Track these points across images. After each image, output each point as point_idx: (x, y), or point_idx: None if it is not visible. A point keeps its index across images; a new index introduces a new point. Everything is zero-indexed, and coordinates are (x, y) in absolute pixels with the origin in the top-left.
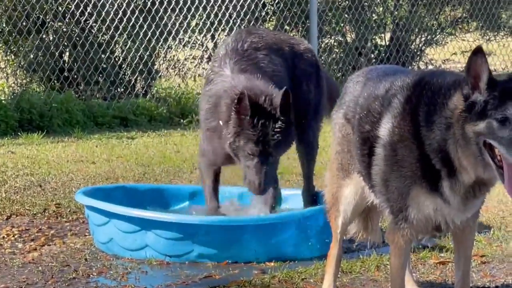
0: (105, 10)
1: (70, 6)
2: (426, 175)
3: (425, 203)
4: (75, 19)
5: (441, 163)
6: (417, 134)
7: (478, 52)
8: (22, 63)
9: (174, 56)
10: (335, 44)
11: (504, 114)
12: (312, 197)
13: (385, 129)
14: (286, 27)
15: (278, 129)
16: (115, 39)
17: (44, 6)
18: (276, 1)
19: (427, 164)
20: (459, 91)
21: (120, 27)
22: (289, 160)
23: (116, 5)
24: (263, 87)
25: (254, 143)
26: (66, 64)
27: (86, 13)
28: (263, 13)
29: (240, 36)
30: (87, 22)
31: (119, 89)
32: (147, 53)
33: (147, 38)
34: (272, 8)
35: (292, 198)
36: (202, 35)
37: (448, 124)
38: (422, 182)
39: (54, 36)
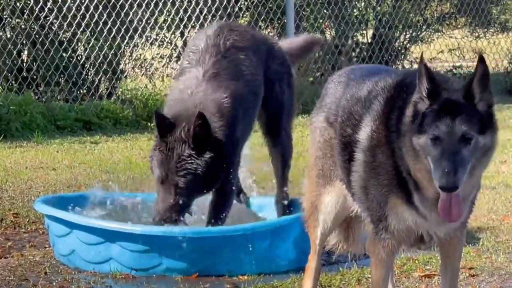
0: (66, 6)
1: (29, 2)
2: (401, 185)
3: (404, 214)
4: (34, 15)
5: (407, 174)
6: (391, 140)
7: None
8: None
9: (140, 55)
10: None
11: (436, 132)
12: (286, 205)
13: (364, 132)
14: (261, 23)
15: (186, 159)
16: (77, 36)
17: (1, 1)
18: None
19: (400, 173)
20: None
21: (83, 24)
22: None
23: (78, 0)
24: (200, 108)
25: (157, 168)
26: (24, 64)
27: (46, 9)
28: (236, 9)
29: (222, 31)
30: (47, 18)
31: (81, 90)
32: (112, 51)
33: (111, 36)
34: (246, 3)
35: (267, 207)
36: (170, 32)
37: (404, 132)
38: (398, 192)
39: (12, 33)
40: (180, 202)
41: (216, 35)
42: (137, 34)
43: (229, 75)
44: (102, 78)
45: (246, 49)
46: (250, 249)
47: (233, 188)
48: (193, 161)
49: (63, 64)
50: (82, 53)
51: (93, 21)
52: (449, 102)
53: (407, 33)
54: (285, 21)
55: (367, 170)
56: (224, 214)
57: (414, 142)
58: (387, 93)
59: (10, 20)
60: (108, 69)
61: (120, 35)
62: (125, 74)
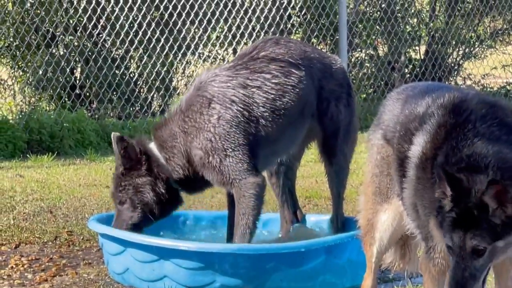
0: (119, 23)
1: (81, 19)
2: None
3: (443, 236)
4: (87, 32)
5: None
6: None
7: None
8: (30, 80)
9: (193, 71)
10: (366, 58)
11: (449, 242)
12: (341, 224)
13: (415, 149)
14: (314, 40)
15: (124, 184)
16: (130, 53)
17: (54, 19)
18: (303, 12)
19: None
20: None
21: (136, 40)
22: (318, 184)
23: (131, 17)
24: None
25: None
26: (77, 81)
27: (99, 26)
28: (289, 25)
29: (263, 43)
30: (100, 35)
31: (134, 107)
32: (164, 68)
33: (164, 53)
34: (299, 19)
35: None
36: (223, 49)
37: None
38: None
39: (65, 50)
40: None
41: (256, 45)
42: (189, 51)
43: (237, 83)
44: (155, 95)
45: (283, 62)
46: (305, 267)
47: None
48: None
49: (116, 81)
50: (135, 70)
51: (146, 38)
52: (465, 213)
53: (460, 49)
54: (338, 37)
55: (415, 188)
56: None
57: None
58: (442, 113)
59: (63, 37)
60: (161, 86)
61: (172, 52)
62: (178, 91)
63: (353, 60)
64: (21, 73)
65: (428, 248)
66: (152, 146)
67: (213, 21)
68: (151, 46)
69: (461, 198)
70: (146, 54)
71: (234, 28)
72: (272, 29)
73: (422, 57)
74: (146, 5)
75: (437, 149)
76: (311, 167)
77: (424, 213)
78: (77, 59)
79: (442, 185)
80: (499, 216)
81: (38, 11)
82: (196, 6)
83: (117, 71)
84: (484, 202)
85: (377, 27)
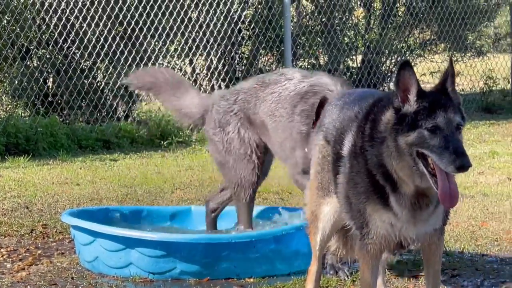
0: (87, 37)
1: (53, 34)
2: (376, 191)
3: (381, 218)
4: (58, 46)
5: (383, 179)
6: (365, 151)
7: (405, 66)
8: (7, 89)
9: None
10: (308, 66)
11: (434, 123)
12: None
13: (346, 147)
14: (261, 51)
15: None
16: (97, 65)
17: (28, 34)
18: (252, 26)
19: (375, 180)
20: (391, 105)
21: (102, 53)
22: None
23: (97, 32)
24: None
25: None
26: (50, 90)
27: (69, 41)
28: (239, 38)
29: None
30: (70, 49)
31: (101, 113)
32: None
33: (127, 64)
34: (248, 33)
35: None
36: (180, 60)
37: (382, 139)
38: (375, 198)
39: (38, 62)
40: None
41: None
42: (150, 62)
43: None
44: (120, 102)
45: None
46: (256, 254)
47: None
48: None
49: (85, 89)
50: (102, 80)
51: (111, 51)
52: (437, 99)
53: (393, 58)
54: (283, 48)
55: (348, 181)
56: None
57: (401, 142)
58: (365, 111)
59: (37, 50)
60: (125, 94)
61: (135, 63)
62: (140, 98)
63: None
64: None
65: (362, 235)
66: None
67: (171, 35)
68: (115, 58)
69: (425, 93)
70: (112, 65)
71: (190, 41)
72: (224, 42)
73: (359, 66)
74: (111, 21)
75: (364, 131)
76: None
77: (360, 200)
78: (49, 70)
79: (400, 93)
80: (456, 98)
81: (14, 27)
82: (156, 22)
83: (85, 81)
84: (446, 87)
85: (318, 39)
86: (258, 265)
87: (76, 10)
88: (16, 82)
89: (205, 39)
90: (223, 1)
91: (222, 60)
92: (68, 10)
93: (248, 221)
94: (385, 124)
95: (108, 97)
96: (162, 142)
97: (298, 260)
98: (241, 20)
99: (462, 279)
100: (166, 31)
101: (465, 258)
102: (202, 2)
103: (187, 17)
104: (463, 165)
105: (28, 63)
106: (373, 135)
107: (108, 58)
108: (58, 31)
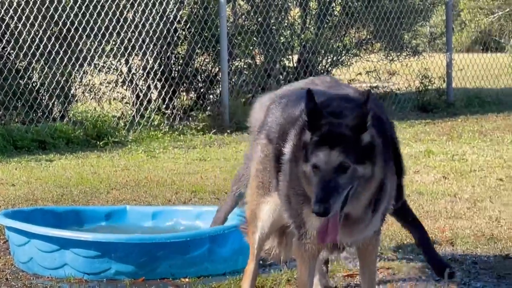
0: (22, 38)
1: None
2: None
3: (317, 222)
4: None
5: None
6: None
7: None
8: None
9: (89, 81)
10: (245, 66)
11: (315, 161)
12: None
13: (288, 146)
14: (198, 50)
15: None
16: (32, 65)
17: None
18: (187, 26)
19: None
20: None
21: (37, 53)
22: (203, 180)
23: (32, 32)
24: None
25: None
26: None
27: (4, 41)
28: (175, 38)
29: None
30: (5, 49)
31: (37, 114)
32: (64, 78)
33: (63, 64)
34: (184, 32)
35: (206, 215)
36: (116, 60)
37: (298, 157)
38: (309, 201)
39: None
40: None
41: None
42: (86, 62)
43: None
44: (55, 102)
45: None
46: (191, 254)
47: None
48: None
49: (20, 90)
50: (37, 80)
51: (47, 51)
52: (329, 134)
53: (329, 57)
54: (219, 48)
55: (288, 181)
56: None
57: (303, 169)
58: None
59: None
60: (61, 94)
61: (71, 63)
62: (76, 98)
63: (233, 68)
64: None
65: (300, 235)
66: None
67: (107, 35)
68: (51, 58)
69: (320, 125)
70: (47, 65)
71: (126, 41)
72: (160, 42)
73: (295, 65)
74: (46, 21)
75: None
76: (196, 165)
77: (297, 201)
78: None
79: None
80: (366, 137)
81: None
82: (92, 22)
83: (21, 81)
84: (355, 123)
85: (254, 38)
86: (194, 265)
87: (11, 10)
88: None
89: (141, 39)
90: (158, 1)
91: (158, 60)
92: (3, 10)
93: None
94: (297, 145)
95: (43, 98)
96: (98, 142)
97: (233, 260)
98: (177, 20)
99: (396, 279)
100: (101, 31)
101: (400, 257)
102: (137, 2)
103: (123, 17)
104: (316, 212)
105: None
106: (297, 143)
107: (43, 59)
108: None
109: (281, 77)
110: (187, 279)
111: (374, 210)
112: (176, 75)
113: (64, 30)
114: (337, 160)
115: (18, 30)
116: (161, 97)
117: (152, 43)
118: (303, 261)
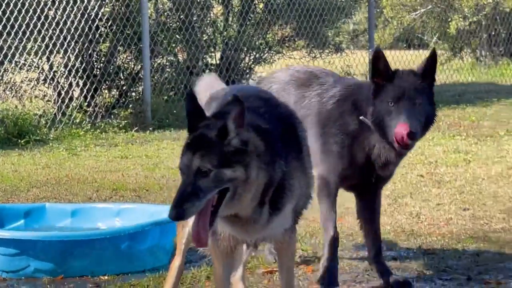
0: None
1: None
2: None
3: (222, 223)
4: None
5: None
6: None
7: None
8: None
9: (11, 78)
10: (167, 64)
11: (178, 166)
12: None
13: None
14: (120, 48)
15: None
16: None
17: None
18: (109, 23)
19: None
20: None
21: None
22: (124, 177)
23: None
24: None
25: None
26: None
27: None
28: (97, 36)
29: None
30: None
31: None
32: None
33: None
34: (106, 30)
35: (125, 213)
36: (38, 57)
37: None
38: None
39: None
40: None
41: None
42: (7, 60)
43: None
44: None
45: None
46: (110, 251)
47: None
48: None
49: None
50: None
51: None
52: (195, 137)
53: (251, 54)
54: (141, 46)
55: None
56: None
57: None
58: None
59: None
60: None
61: None
62: None
63: (155, 66)
64: None
65: (212, 232)
66: None
67: (28, 32)
68: None
69: (196, 127)
70: None
71: (47, 39)
72: (82, 39)
73: (218, 62)
74: None
75: None
76: (118, 163)
77: None
78: None
79: None
80: (236, 141)
81: None
82: (12, 19)
83: None
84: (225, 127)
85: (177, 36)
86: (113, 262)
87: None
88: None
89: (62, 37)
90: None
91: (80, 58)
92: None
93: None
94: None
95: None
96: (19, 140)
97: (153, 257)
98: (98, 18)
99: (317, 275)
100: (22, 29)
101: (319, 254)
102: None
103: (44, 14)
104: (169, 217)
105: None
106: None
107: None
108: None
109: (203, 74)
110: (106, 277)
111: (276, 209)
112: (98, 72)
113: None
114: (196, 165)
115: None
116: (83, 95)
117: (74, 41)
118: (217, 257)
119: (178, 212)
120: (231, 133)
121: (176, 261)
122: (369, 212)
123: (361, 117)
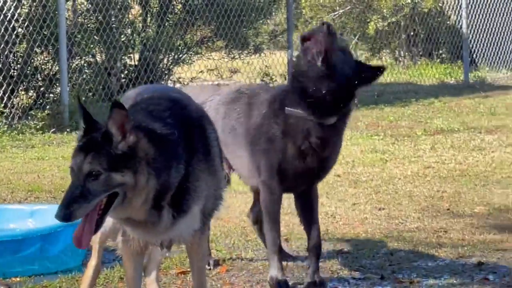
0: None
1: None
2: None
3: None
4: None
5: None
6: None
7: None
8: None
9: None
10: (85, 65)
11: (70, 165)
12: None
13: None
14: (37, 49)
15: None
16: None
17: None
18: (26, 24)
19: None
20: None
21: None
22: (40, 179)
23: None
24: None
25: None
26: None
27: None
28: (13, 36)
29: None
30: None
31: None
32: None
33: None
34: (22, 31)
35: (39, 214)
36: None
37: None
38: None
39: None
40: None
41: None
42: None
43: None
44: None
45: None
46: (22, 253)
47: None
48: None
49: None
50: None
51: None
52: (87, 141)
53: (170, 55)
54: (58, 47)
55: None
56: None
57: None
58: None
59: None
60: None
61: None
62: None
63: (73, 67)
64: None
65: (123, 232)
66: None
67: None
68: None
69: (86, 132)
70: None
71: None
72: None
73: (136, 64)
74: None
75: None
76: (34, 164)
77: None
78: None
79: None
80: (122, 145)
81: None
82: None
83: None
84: (109, 131)
85: (95, 37)
86: (25, 264)
87: None
88: None
89: None
90: None
91: None
92: None
93: None
94: None
95: None
96: None
97: (66, 259)
98: (14, 18)
99: (230, 275)
100: None
101: (234, 254)
102: None
103: None
104: (56, 217)
105: None
106: None
107: None
108: None
109: (122, 75)
110: (18, 278)
111: (181, 212)
112: (15, 74)
113: None
114: (87, 167)
115: None
116: (0, 96)
117: None
118: (128, 257)
119: (66, 214)
120: (114, 137)
121: (92, 261)
122: (308, 206)
123: (286, 110)
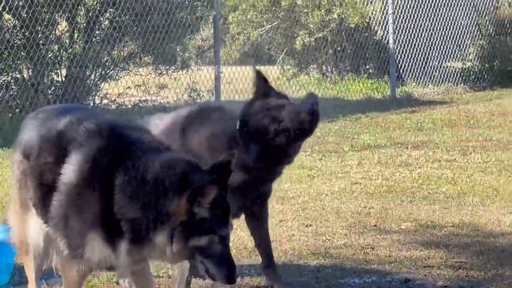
0: None
1: None
2: (107, 227)
3: (100, 249)
4: None
5: (130, 229)
6: (109, 191)
7: None
8: None
9: None
10: (12, 81)
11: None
12: None
13: (71, 168)
14: None
15: None
16: None
17: None
18: None
19: (111, 219)
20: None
21: None
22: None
23: None
24: None
25: None
26: None
27: None
28: None
29: None
30: None
31: None
32: None
33: None
34: None
35: None
36: None
37: (162, 219)
38: (101, 231)
39: None
40: None
41: None
42: None
43: None
44: None
45: None
46: None
47: None
48: None
49: None
50: None
51: None
52: None
53: (97, 71)
54: None
55: (72, 203)
56: None
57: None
58: (101, 140)
59: None
60: None
61: None
62: None
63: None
64: None
65: (73, 255)
66: None
67: None
68: None
69: None
70: None
71: None
72: None
73: (63, 80)
74: None
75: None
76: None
77: (83, 225)
78: None
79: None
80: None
81: None
82: None
83: None
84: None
85: (22, 53)
86: None
87: None
88: None
89: None
90: None
91: None
92: None
93: None
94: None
95: None
96: None
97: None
98: None
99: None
100: None
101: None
102: None
103: None
104: (231, 281)
105: None
106: (139, 195)
107: None
108: None
109: (49, 91)
110: None
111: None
112: None
113: None
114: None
115: None
116: None
117: None
118: (73, 280)
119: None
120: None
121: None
122: (258, 224)
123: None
